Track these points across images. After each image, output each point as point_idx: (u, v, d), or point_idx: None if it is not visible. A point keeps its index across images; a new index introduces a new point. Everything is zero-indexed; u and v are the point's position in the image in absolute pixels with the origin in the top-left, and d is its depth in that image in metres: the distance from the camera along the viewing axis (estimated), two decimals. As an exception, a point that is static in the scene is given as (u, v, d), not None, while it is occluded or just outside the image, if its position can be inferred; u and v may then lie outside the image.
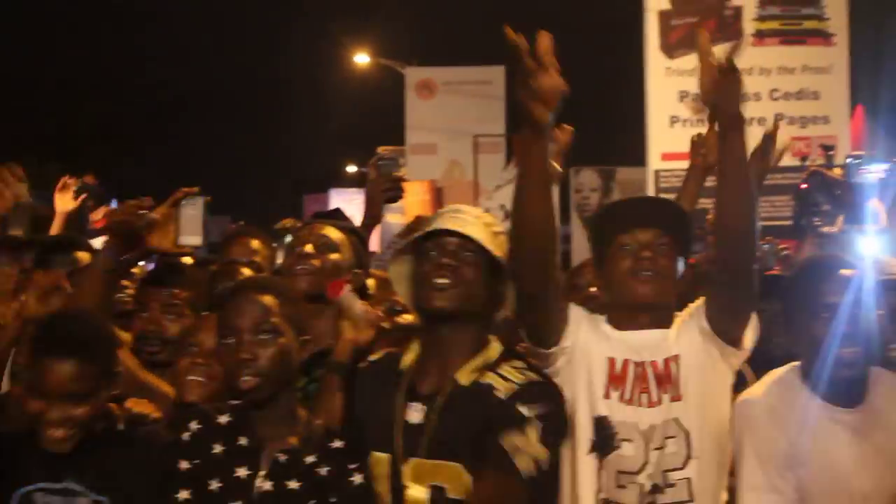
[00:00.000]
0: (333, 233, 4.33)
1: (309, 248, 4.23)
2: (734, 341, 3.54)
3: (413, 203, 16.88)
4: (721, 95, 3.32)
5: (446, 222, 3.47)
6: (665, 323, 3.63)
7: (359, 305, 3.76)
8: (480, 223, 3.52)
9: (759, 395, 3.59)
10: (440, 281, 3.40)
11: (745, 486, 3.55)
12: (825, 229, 4.88)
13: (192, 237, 3.91)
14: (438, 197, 18.84)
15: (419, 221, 5.30)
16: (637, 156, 12.75)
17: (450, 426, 3.38)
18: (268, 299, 3.41)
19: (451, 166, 21.36)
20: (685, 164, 11.76)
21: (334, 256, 4.27)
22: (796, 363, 3.68)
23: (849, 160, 5.00)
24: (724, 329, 3.52)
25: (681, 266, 3.68)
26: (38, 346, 3.37)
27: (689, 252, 3.75)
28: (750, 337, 3.57)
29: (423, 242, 3.52)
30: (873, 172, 4.95)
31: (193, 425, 3.48)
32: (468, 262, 3.45)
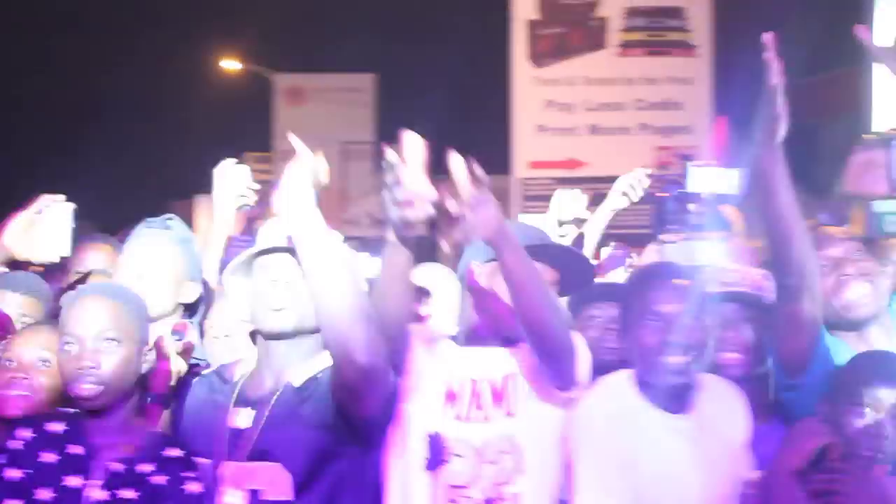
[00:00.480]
0: (166, 239, 4.34)
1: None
2: (563, 386, 3.55)
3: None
4: (475, 218, 3.18)
5: (276, 240, 3.43)
6: (507, 338, 3.61)
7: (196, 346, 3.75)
8: None
9: (594, 401, 3.60)
10: (277, 302, 3.37)
11: (581, 489, 3.54)
12: (666, 237, 4.92)
13: (55, 246, 3.81)
14: (307, 204, 18.81)
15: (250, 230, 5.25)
16: (505, 164, 12.84)
17: (276, 427, 3.35)
18: (112, 307, 3.37)
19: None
20: (552, 173, 11.93)
21: (166, 269, 4.28)
22: (629, 371, 3.70)
23: (690, 167, 5.03)
24: (552, 379, 3.54)
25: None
26: None
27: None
28: (583, 371, 3.58)
29: (257, 258, 3.47)
30: (717, 180, 4.99)
31: (25, 434, 3.37)
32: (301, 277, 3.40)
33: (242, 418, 3.40)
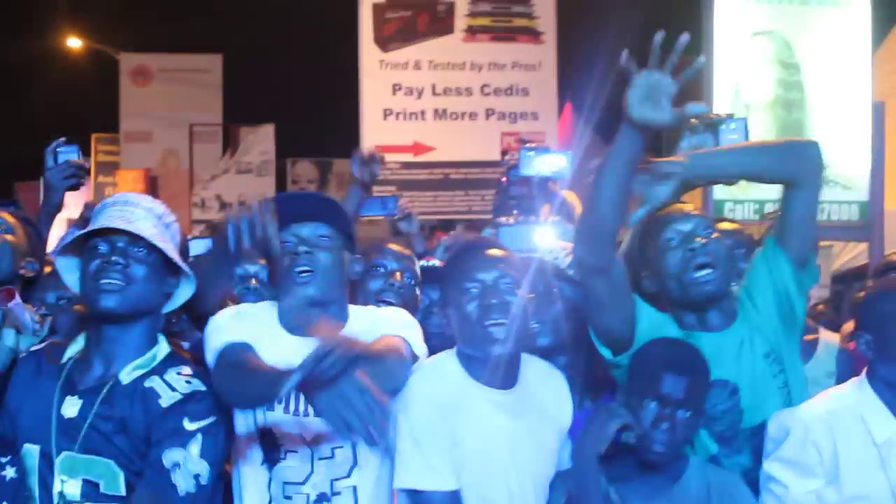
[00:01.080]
0: (8, 217, 4.31)
1: None
2: None
3: (126, 191, 16.55)
4: None
5: (114, 220, 3.38)
6: (339, 322, 3.61)
7: (26, 314, 3.69)
8: (152, 216, 3.45)
9: (418, 383, 3.62)
10: (109, 281, 3.32)
11: (404, 469, 3.54)
12: (500, 220, 4.99)
13: None
14: (153, 186, 18.58)
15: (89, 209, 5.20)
16: (352, 147, 12.82)
17: (105, 423, 3.31)
18: None
19: (167, 155, 21.04)
20: (400, 158, 11.96)
21: (9, 238, 4.25)
22: (453, 349, 3.76)
23: (522, 151, 5.11)
24: None
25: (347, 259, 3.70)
26: None
27: (353, 245, 3.76)
28: (418, 351, 3.62)
29: (92, 237, 3.43)
30: (550, 163, 5.06)
31: None
32: (139, 259, 3.37)
33: (71, 407, 3.37)
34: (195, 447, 3.24)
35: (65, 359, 3.49)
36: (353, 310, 3.70)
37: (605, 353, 3.85)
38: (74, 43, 27.86)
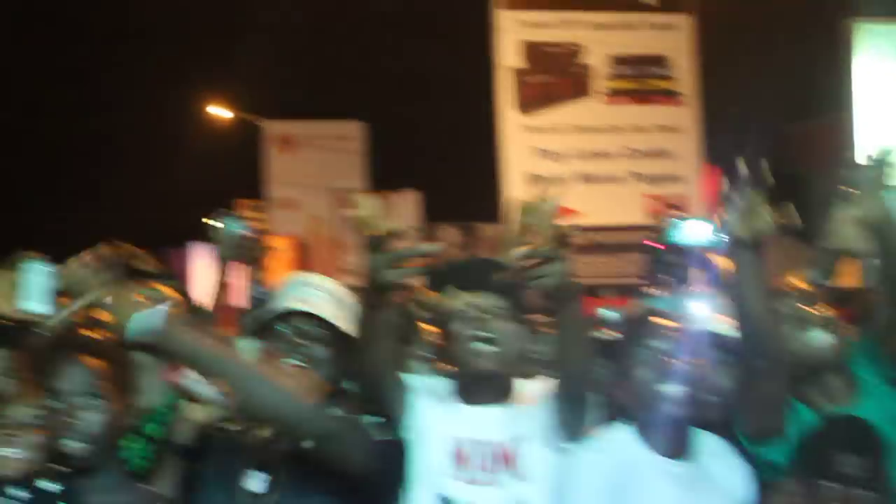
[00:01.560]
0: (167, 291, 4.38)
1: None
2: (572, 438, 3.58)
3: (277, 259, 16.80)
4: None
5: (294, 301, 3.45)
6: (510, 395, 3.62)
7: (200, 385, 3.71)
8: (332, 297, 3.51)
9: (594, 454, 3.60)
10: (293, 362, 3.37)
11: None
12: (653, 290, 4.97)
13: (34, 304, 3.75)
14: (302, 253, 18.78)
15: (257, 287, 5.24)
16: (493, 213, 12.88)
17: (293, 495, 3.38)
18: (96, 363, 3.39)
19: (313, 222, 21.25)
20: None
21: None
22: (628, 421, 3.75)
23: (677, 220, 5.09)
24: (565, 433, 3.57)
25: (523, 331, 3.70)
26: None
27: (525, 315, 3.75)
28: (591, 422, 3.62)
29: (274, 318, 3.48)
30: (704, 232, 5.04)
31: (22, 494, 3.35)
32: (319, 340, 3.44)
33: (256, 482, 3.45)
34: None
35: (250, 432, 3.56)
36: (519, 382, 3.71)
37: (752, 445, 3.85)
38: (219, 112, 28.40)
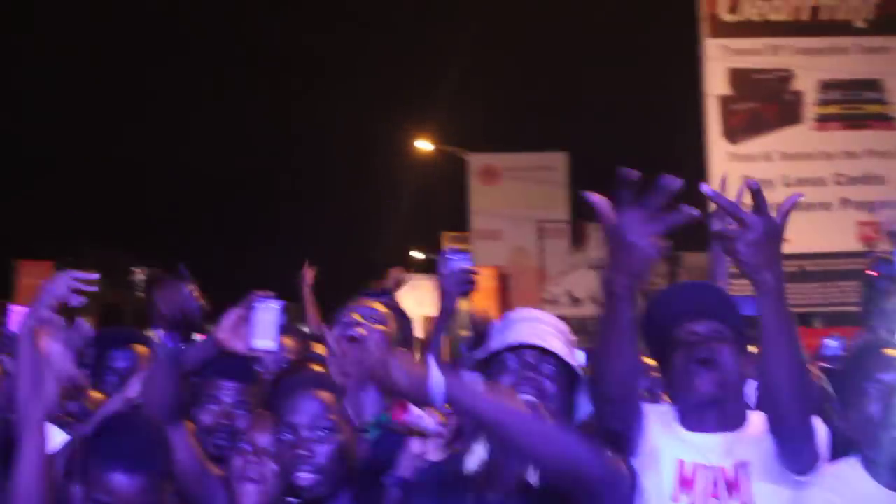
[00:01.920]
0: (379, 307, 4.39)
1: (357, 316, 4.28)
2: (801, 471, 3.49)
3: (480, 289, 16.91)
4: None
5: (526, 335, 3.44)
6: (735, 422, 3.56)
7: (427, 420, 3.71)
8: (558, 332, 3.50)
9: (822, 485, 3.52)
10: (524, 397, 3.35)
11: None
12: (882, 329, 4.78)
13: (265, 341, 3.86)
14: (504, 283, 18.92)
15: (483, 320, 5.23)
16: (703, 240, 12.75)
17: None
18: (326, 396, 3.43)
19: (517, 252, 21.38)
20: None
21: (380, 327, 4.33)
22: (855, 455, 3.65)
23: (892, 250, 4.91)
24: (790, 466, 3.49)
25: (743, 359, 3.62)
26: (97, 456, 3.22)
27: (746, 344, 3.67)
28: (822, 444, 3.52)
29: (502, 351, 3.47)
30: None
31: None
32: (549, 375, 3.42)
33: None
34: None
35: (467, 468, 3.54)
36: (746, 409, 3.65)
37: None
38: (424, 146, 28.89)
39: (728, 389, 3.52)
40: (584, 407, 3.50)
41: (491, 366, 3.46)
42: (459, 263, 4.90)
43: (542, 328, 3.50)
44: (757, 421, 3.53)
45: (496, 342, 3.46)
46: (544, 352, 3.41)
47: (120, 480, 3.11)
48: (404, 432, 3.67)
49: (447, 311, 4.95)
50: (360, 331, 3.94)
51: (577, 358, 3.50)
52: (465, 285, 4.93)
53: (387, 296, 4.99)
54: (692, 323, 3.54)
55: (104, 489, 3.10)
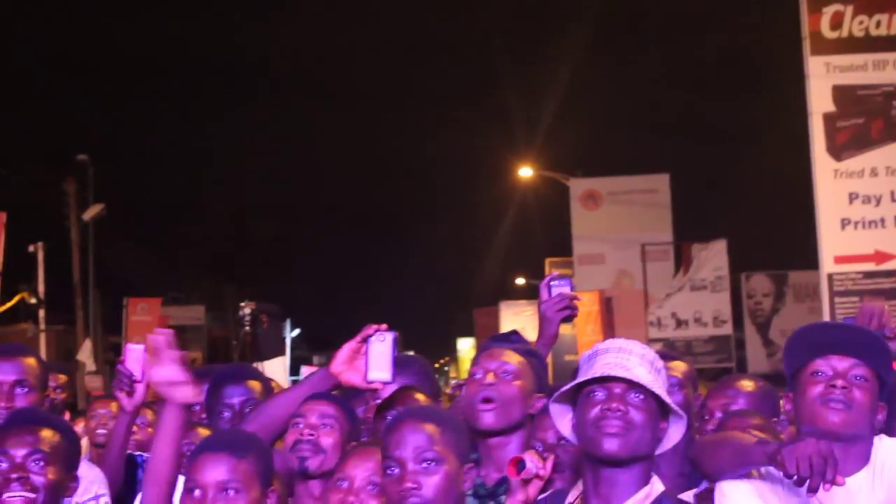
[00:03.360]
0: (513, 357, 4.28)
1: (490, 377, 4.18)
2: None
3: (582, 313, 16.84)
4: None
5: (612, 368, 3.41)
6: (860, 462, 3.48)
7: (537, 463, 3.70)
8: (646, 362, 3.46)
9: None
10: (611, 428, 3.34)
11: None
12: None
13: (380, 373, 3.87)
14: (608, 307, 18.82)
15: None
16: (809, 259, 12.60)
17: None
18: (430, 427, 3.41)
19: (620, 275, 21.31)
20: (860, 267, 11.64)
21: (516, 384, 4.23)
22: None
23: None
24: None
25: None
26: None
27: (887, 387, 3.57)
28: None
29: (588, 384, 3.45)
30: None
31: None
32: (636, 405, 3.39)
33: None
34: None
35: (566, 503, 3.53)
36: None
37: None
38: (525, 172, 28.95)
39: (856, 428, 3.44)
40: (674, 435, 3.46)
41: (578, 398, 3.44)
42: (560, 289, 4.89)
43: (628, 359, 3.47)
44: (890, 455, 3.45)
45: (583, 374, 3.44)
46: (632, 383, 3.38)
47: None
48: (519, 486, 3.66)
49: (548, 337, 4.92)
50: (529, 465, 3.88)
51: (664, 383, 3.46)
52: (567, 311, 4.89)
53: (516, 337, 4.91)
54: (833, 357, 3.50)
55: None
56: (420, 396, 4.77)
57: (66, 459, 3.62)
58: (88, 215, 24.59)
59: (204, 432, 4.14)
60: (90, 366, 20.74)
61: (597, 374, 3.36)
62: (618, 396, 3.35)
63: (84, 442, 5.74)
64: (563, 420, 3.51)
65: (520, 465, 3.50)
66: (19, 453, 3.52)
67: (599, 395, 3.37)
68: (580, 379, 3.41)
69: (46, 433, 3.58)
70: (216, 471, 3.29)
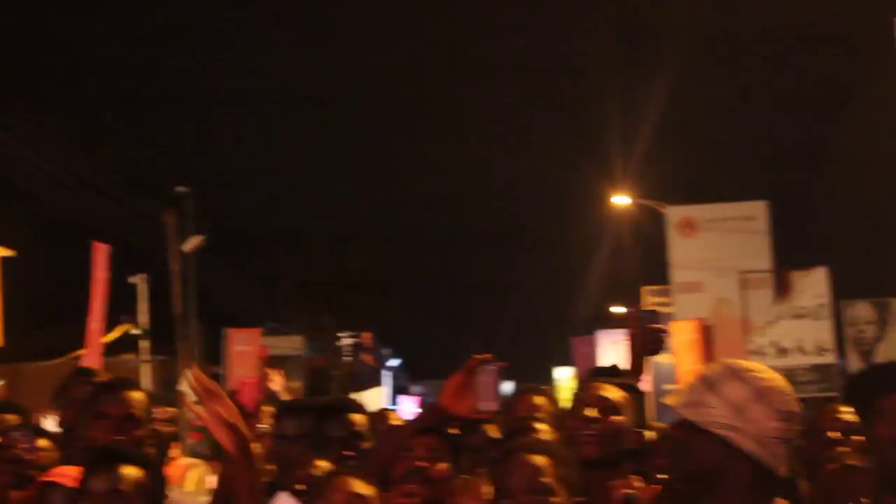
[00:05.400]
0: (614, 393, 4.27)
1: (592, 412, 4.19)
2: None
3: (682, 343, 16.71)
4: None
5: None
6: None
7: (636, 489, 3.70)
8: None
9: None
10: None
11: None
12: None
13: (489, 403, 3.92)
14: (707, 336, 18.63)
15: None
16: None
17: None
18: (540, 460, 3.44)
19: (719, 304, 21.08)
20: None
21: (617, 419, 4.23)
22: None
23: None
24: None
25: None
26: None
27: None
28: None
29: None
30: None
31: None
32: None
33: None
34: None
35: None
36: None
37: None
38: (621, 199, 28.86)
39: None
40: None
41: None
42: (648, 322, 4.90)
43: None
44: None
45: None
46: None
47: None
48: None
49: (636, 371, 4.93)
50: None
51: None
52: (655, 345, 4.91)
53: (616, 372, 4.92)
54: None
55: None
56: (540, 400, 4.85)
57: (149, 496, 3.67)
58: (189, 247, 24.92)
59: (322, 464, 4.18)
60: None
61: None
62: None
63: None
64: None
65: (628, 500, 3.51)
66: (100, 491, 3.58)
67: None
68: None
69: (129, 471, 3.64)
70: None
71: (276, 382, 7.08)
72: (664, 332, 5.02)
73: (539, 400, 5.08)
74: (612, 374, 4.74)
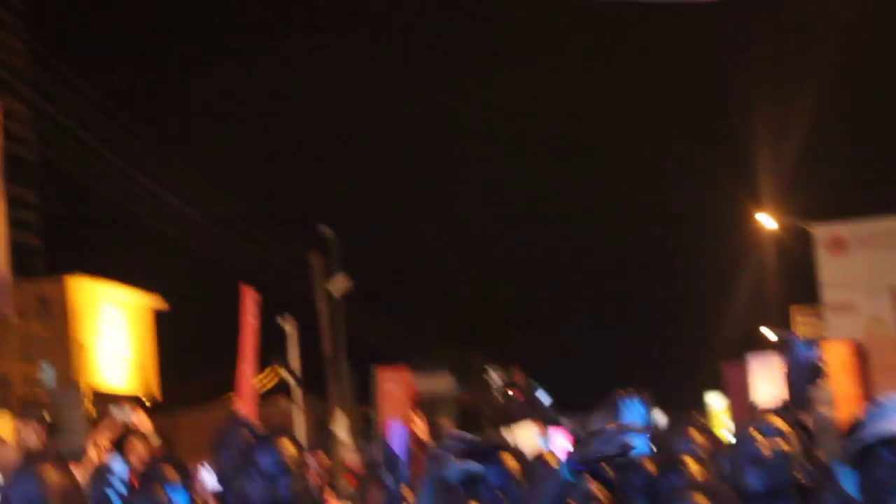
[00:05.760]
0: (780, 423, 4.18)
1: (758, 442, 4.13)
2: None
3: (836, 364, 16.37)
4: None
5: None
6: None
7: None
8: None
9: None
10: None
11: None
12: None
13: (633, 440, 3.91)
14: (863, 357, 18.22)
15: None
16: None
17: None
18: (702, 499, 3.48)
19: (873, 323, 20.67)
20: None
21: (784, 448, 4.15)
22: None
23: None
24: None
25: None
26: None
27: None
28: None
29: (878, 445, 3.25)
30: None
31: None
32: None
33: None
34: None
35: None
36: None
37: None
38: (766, 219, 28.46)
39: None
40: None
41: (863, 458, 3.24)
42: (807, 354, 4.81)
43: None
44: None
45: (869, 433, 3.23)
46: None
47: None
48: None
49: (797, 404, 4.80)
50: None
51: None
52: (814, 377, 4.82)
53: (787, 410, 4.83)
54: None
55: None
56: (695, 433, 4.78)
57: None
58: (337, 290, 25.02)
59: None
60: (345, 439, 21.11)
61: (887, 435, 3.15)
62: None
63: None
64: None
65: None
66: None
67: (889, 457, 3.14)
68: (868, 439, 3.19)
69: None
70: None
71: (418, 426, 7.13)
72: (823, 362, 4.92)
73: (694, 433, 5.02)
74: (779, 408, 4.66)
